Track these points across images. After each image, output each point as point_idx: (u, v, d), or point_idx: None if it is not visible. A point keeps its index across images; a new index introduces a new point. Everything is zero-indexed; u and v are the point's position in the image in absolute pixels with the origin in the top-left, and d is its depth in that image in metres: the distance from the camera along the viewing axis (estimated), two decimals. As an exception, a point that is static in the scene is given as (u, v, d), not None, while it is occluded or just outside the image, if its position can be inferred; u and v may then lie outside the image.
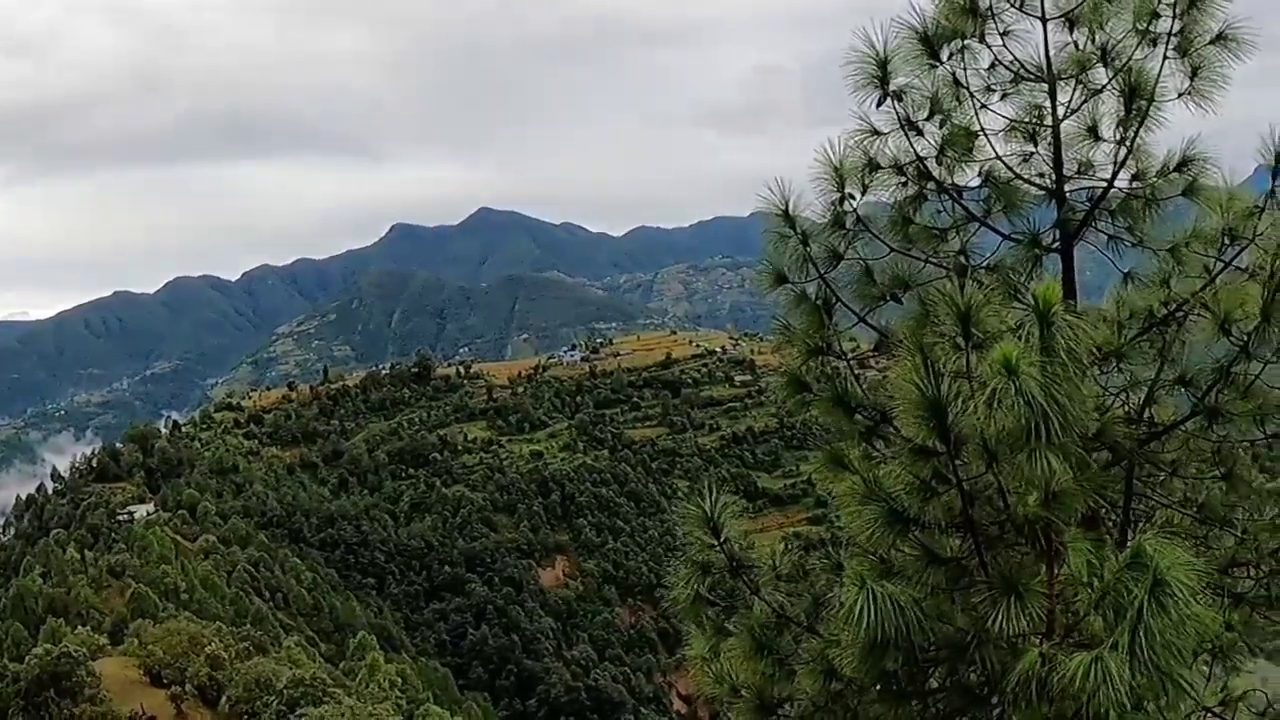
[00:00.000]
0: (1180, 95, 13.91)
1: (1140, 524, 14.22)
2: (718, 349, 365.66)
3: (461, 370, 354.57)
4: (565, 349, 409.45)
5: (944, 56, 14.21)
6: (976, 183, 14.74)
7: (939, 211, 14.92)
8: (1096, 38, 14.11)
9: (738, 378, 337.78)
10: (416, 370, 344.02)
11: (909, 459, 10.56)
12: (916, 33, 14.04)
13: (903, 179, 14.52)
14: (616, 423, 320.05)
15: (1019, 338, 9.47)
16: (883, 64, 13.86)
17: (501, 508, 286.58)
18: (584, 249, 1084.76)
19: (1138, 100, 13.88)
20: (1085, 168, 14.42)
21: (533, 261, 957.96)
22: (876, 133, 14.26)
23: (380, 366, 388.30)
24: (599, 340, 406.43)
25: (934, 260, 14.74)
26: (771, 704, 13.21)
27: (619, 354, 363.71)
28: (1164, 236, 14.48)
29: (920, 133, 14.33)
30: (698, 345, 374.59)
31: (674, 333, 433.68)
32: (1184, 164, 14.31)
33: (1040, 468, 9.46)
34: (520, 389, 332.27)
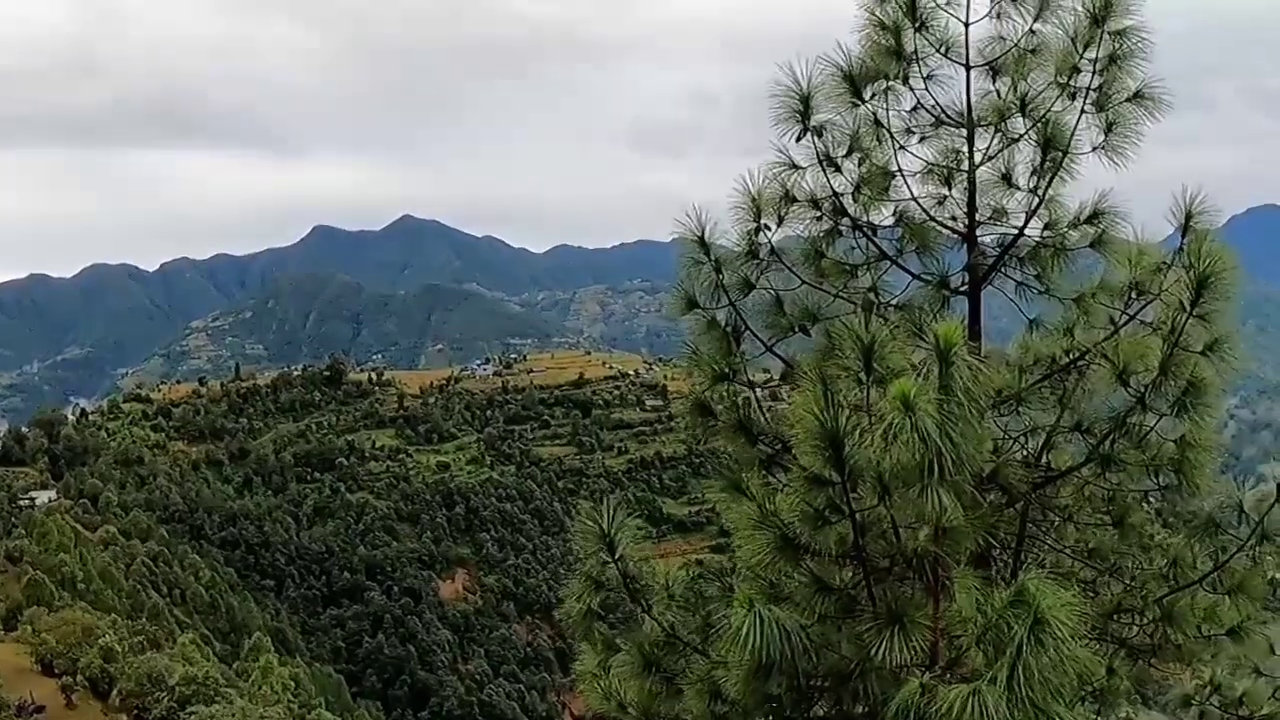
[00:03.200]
0: (1095, 149, 14.15)
1: (1031, 565, 14.45)
2: (631, 372, 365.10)
3: (374, 377, 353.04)
4: (479, 362, 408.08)
5: (867, 96, 14.41)
6: (891, 222, 14.93)
7: (853, 248, 15.09)
8: (1018, 88, 14.33)
9: (649, 402, 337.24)
10: (328, 374, 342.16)
11: (804, 488, 10.70)
12: (841, 71, 14.23)
13: (818, 213, 14.70)
14: (525, 439, 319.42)
15: (919, 376, 9.63)
16: (805, 99, 14.06)
17: (405, 517, 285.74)
18: (504, 263, 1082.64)
19: (1052, 151, 14.13)
20: (998, 214, 14.64)
21: (452, 272, 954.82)
22: (795, 166, 14.45)
23: (293, 367, 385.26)
24: (513, 356, 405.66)
25: (844, 295, 14.92)
26: (655, 722, 13.33)
27: (532, 371, 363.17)
28: (1072, 286, 14.72)
29: (839, 169, 14.52)
30: (611, 367, 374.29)
31: (588, 353, 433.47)
32: (1094, 217, 14.57)
33: (931, 504, 9.61)
34: (431, 399, 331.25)
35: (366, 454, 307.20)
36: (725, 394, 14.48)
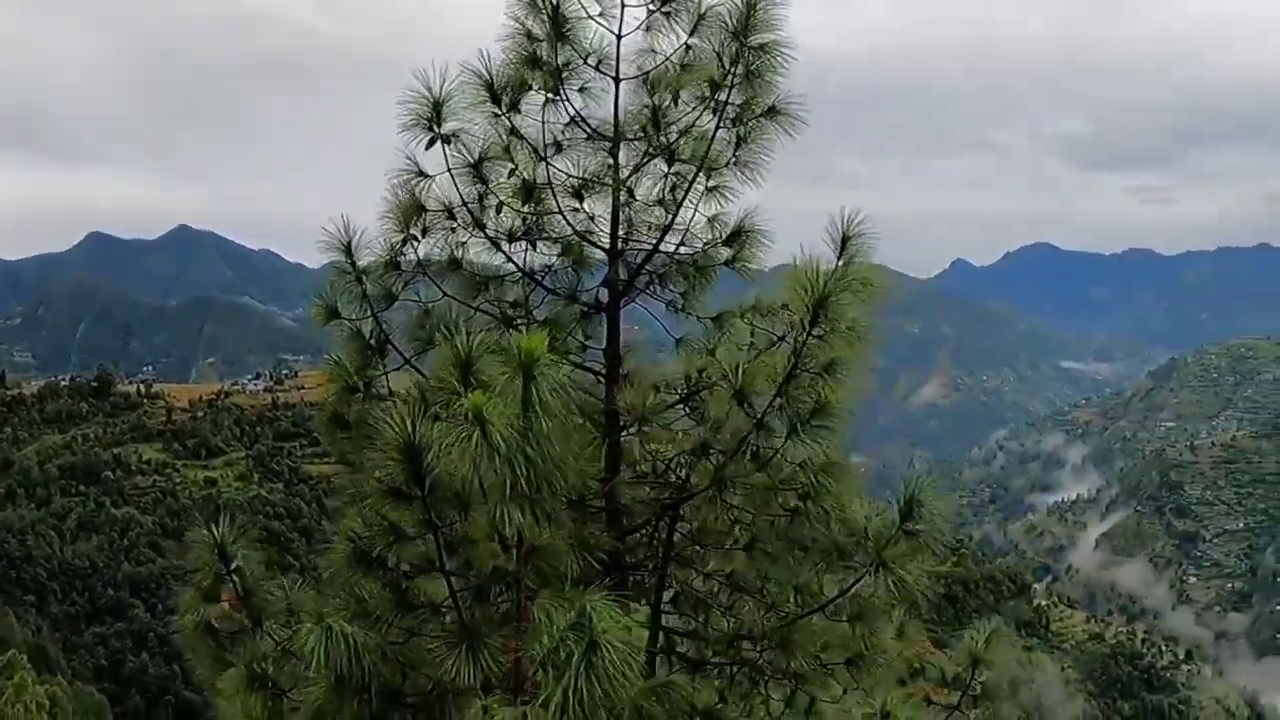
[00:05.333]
0: (727, 164, 14.09)
1: (671, 589, 14.34)
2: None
3: (142, 389, 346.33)
4: (250, 377, 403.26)
5: (506, 106, 14.19)
6: (541, 237, 14.76)
7: (507, 260, 14.89)
8: (663, 102, 14.21)
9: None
10: (96, 384, 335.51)
11: (381, 501, 10.47)
12: (481, 79, 13.99)
13: (454, 224, 14.45)
14: (294, 456, 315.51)
15: (501, 389, 9.41)
16: (437, 105, 13.77)
17: (171, 533, 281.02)
18: (280, 277, 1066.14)
19: (679, 165, 14.05)
20: (648, 230, 14.51)
21: (226, 285, 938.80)
22: (423, 175, 14.19)
23: (61, 377, 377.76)
24: (285, 371, 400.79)
25: (484, 309, 14.71)
26: (273, 739, 12.96)
27: (304, 387, 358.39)
28: (718, 306, 14.71)
29: (483, 180, 14.29)
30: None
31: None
32: (735, 236, 14.50)
33: (506, 522, 9.40)
34: (201, 414, 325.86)
35: (133, 468, 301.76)
36: (358, 406, 14.20)
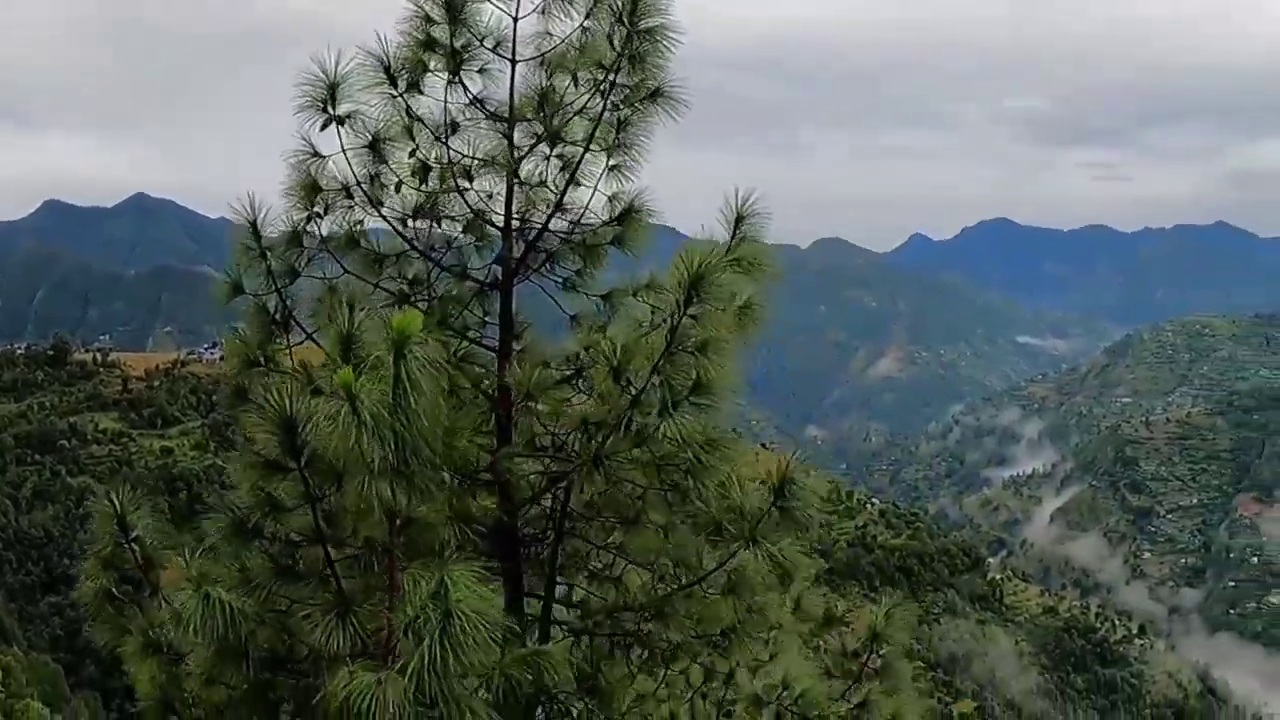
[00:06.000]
0: (608, 147, 14.31)
1: (566, 564, 14.58)
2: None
3: (98, 357, 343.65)
4: (206, 345, 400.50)
5: (404, 86, 14.37)
6: (439, 215, 14.95)
7: (411, 240, 15.08)
8: (577, 84, 14.43)
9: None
10: (52, 353, 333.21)
11: (257, 472, 10.75)
12: (380, 61, 14.18)
13: (351, 203, 14.64)
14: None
15: (372, 365, 9.68)
16: (332, 87, 13.97)
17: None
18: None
19: (563, 145, 14.29)
20: (547, 207, 14.70)
21: (184, 253, 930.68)
22: (317, 155, 14.36)
23: (17, 346, 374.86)
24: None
25: (383, 286, 14.91)
26: (172, 703, 13.19)
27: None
28: (609, 284, 14.97)
29: (381, 160, 14.48)
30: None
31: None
32: (625, 215, 14.70)
33: (374, 495, 9.65)
34: (157, 382, 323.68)
35: (89, 437, 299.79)
36: (259, 380, 14.38)
